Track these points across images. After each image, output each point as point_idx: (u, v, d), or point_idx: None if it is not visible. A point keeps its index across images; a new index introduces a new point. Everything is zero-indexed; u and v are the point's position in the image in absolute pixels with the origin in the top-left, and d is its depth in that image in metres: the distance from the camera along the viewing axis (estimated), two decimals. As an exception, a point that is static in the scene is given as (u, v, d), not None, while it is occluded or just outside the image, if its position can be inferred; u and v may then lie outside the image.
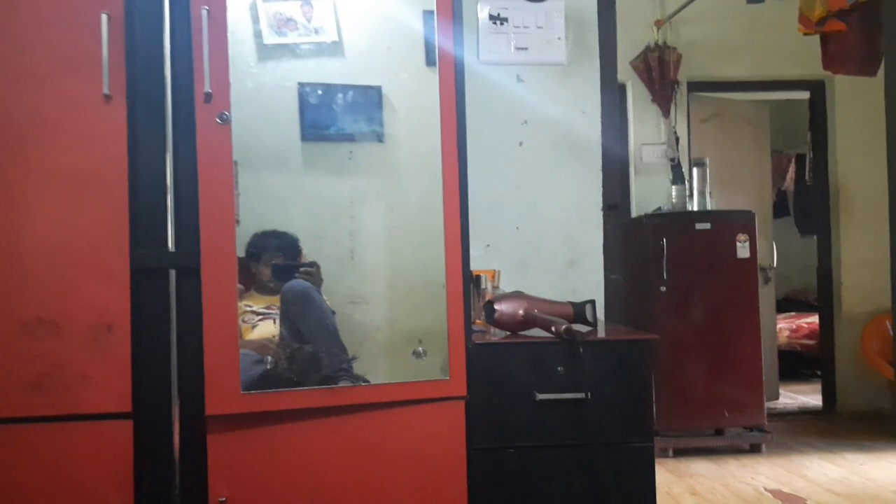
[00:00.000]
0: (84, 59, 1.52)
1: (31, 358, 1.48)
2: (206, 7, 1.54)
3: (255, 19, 1.72)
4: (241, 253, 1.60)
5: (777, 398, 5.53)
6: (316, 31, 1.76)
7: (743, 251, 4.21)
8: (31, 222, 1.50)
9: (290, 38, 1.75)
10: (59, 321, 1.49)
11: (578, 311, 1.91)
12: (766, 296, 5.08)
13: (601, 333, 1.90)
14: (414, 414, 1.65)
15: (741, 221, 4.23)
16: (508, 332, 1.85)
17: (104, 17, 1.52)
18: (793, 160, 7.13)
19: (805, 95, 5.39)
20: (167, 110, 1.57)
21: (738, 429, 4.27)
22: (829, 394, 5.25)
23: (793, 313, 6.73)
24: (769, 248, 5.27)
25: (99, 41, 1.51)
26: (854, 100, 5.07)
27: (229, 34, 1.57)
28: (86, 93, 1.52)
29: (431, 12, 1.72)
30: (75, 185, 1.52)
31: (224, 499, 1.53)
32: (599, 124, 2.41)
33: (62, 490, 1.49)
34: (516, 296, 1.89)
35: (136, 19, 1.56)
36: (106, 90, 1.52)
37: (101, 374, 1.50)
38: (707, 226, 4.20)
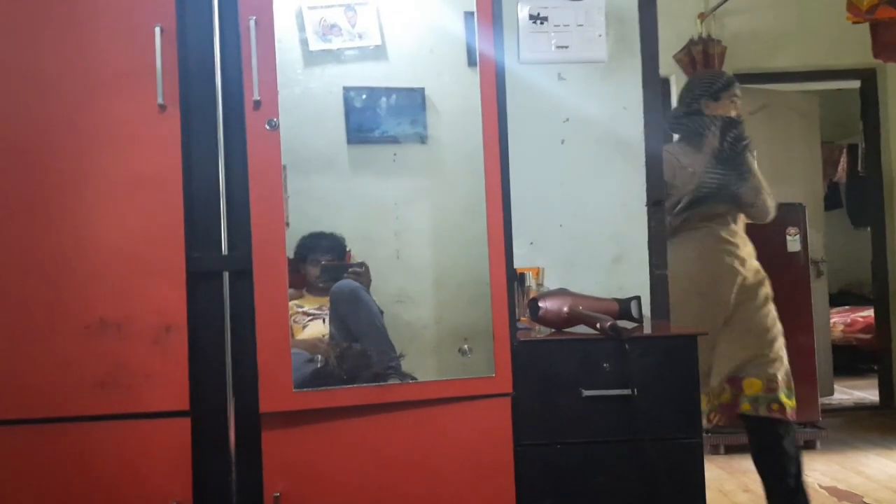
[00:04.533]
0: (139, 71, 1.58)
1: (96, 358, 1.55)
2: (254, 17, 1.59)
3: (301, 27, 1.76)
4: (291, 254, 1.64)
5: (832, 394, 5.40)
6: (360, 36, 1.80)
7: (793, 244, 4.13)
8: (92, 228, 1.57)
9: (335, 43, 1.79)
10: (122, 322, 1.56)
11: (624, 308, 1.91)
12: (819, 290, 4.96)
13: (647, 329, 1.90)
14: (461, 410, 1.67)
15: (791, 214, 4.15)
16: (553, 329, 1.86)
17: (158, 31, 1.58)
18: (844, 151, 6.96)
19: (856, 84, 5.26)
20: (219, 118, 1.62)
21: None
22: (886, 388, 5.12)
23: (847, 307, 6.57)
24: (821, 241, 5.16)
25: (153, 53, 1.57)
26: (907, 88, 4.94)
27: (276, 42, 1.61)
28: (142, 103, 1.58)
29: (472, 13, 1.73)
30: (134, 192, 1.58)
31: (279, 493, 1.58)
32: (642, 120, 2.40)
33: (126, 484, 1.56)
34: (561, 293, 1.90)
35: (188, 32, 1.62)
36: (160, 100, 1.58)
37: (162, 373, 1.56)
38: (756, 219, 4.13)
